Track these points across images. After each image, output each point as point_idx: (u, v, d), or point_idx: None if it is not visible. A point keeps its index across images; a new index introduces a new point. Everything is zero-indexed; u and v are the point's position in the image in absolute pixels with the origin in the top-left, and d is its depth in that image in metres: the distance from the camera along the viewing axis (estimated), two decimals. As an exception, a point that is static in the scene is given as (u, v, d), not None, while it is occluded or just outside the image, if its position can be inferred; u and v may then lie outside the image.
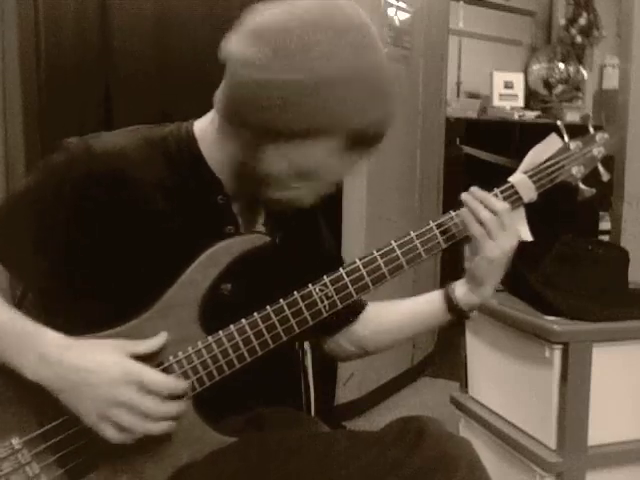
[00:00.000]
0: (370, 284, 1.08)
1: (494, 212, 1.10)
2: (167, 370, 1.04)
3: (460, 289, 1.18)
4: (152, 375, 1.00)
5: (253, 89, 0.99)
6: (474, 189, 1.12)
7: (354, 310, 1.26)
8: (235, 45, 1.02)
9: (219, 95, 1.06)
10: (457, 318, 1.20)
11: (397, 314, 1.28)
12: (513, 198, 1.13)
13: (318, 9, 1.00)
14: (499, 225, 1.09)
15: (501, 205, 1.10)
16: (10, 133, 2.51)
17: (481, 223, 1.10)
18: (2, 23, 2.45)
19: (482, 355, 2.04)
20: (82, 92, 2.43)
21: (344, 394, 2.85)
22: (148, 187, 1.08)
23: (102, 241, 1.06)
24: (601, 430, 1.74)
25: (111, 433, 0.97)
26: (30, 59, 2.42)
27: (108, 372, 0.97)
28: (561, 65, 5.20)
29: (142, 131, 1.13)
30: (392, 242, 1.09)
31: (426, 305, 1.23)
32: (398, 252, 1.08)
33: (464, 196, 1.11)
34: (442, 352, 3.67)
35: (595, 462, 1.76)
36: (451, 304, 1.19)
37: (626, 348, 1.78)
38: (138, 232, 1.08)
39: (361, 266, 1.08)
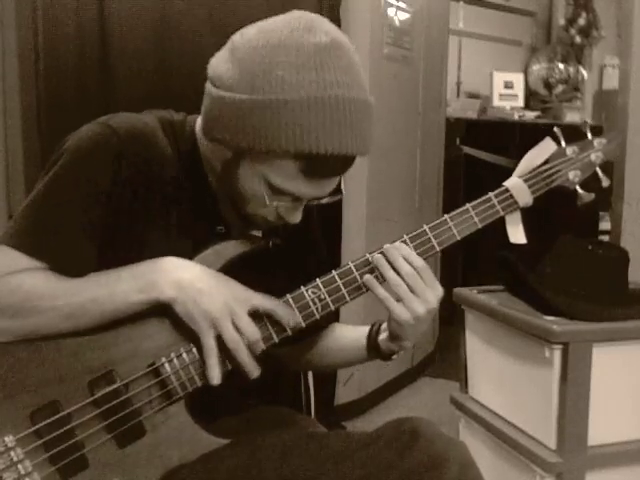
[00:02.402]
0: (364, 287, 1.07)
1: (402, 273, 1.04)
2: (158, 370, 1.04)
3: (383, 333, 1.16)
4: (260, 298, 1.05)
5: (219, 105, 1.01)
6: (388, 247, 1.06)
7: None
8: (214, 60, 1.05)
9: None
10: (380, 358, 1.19)
11: (328, 339, 1.28)
12: (508, 202, 1.12)
13: (288, 29, 0.99)
14: (407, 288, 1.04)
15: (409, 268, 1.04)
16: (9, 137, 2.51)
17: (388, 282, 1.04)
18: (1, 26, 2.45)
19: (482, 355, 2.04)
20: (81, 96, 2.42)
21: (344, 394, 2.86)
22: (159, 169, 1.10)
23: (118, 224, 1.07)
24: (601, 430, 1.74)
25: (211, 343, 1.02)
26: (29, 64, 2.42)
27: (230, 284, 1.05)
28: (561, 65, 5.20)
29: (155, 113, 1.15)
30: (385, 245, 1.08)
31: (354, 337, 1.22)
32: None
33: (376, 256, 1.06)
34: (442, 352, 3.67)
35: (595, 462, 1.76)
36: (371, 343, 1.18)
37: (626, 348, 1.78)
38: (147, 218, 1.09)
39: (354, 268, 1.07)
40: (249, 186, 1.05)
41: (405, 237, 1.08)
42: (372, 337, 1.19)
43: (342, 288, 1.07)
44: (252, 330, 1.03)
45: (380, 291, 1.05)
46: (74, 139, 1.07)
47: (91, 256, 1.06)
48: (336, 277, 1.07)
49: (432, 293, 1.05)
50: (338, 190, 1.08)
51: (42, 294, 1.02)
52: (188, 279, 1.02)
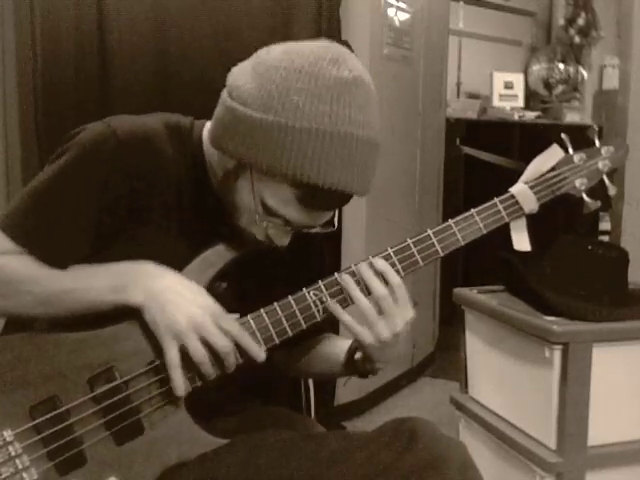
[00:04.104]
0: (366, 291, 1.06)
1: (375, 294, 1.02)
2: (158, 369, 1.04)
3: (359, 352, 1.15)
4: (225, 314, 1.03)
5: (230, 116, 1.01)
6: (359, 265, 1.05)
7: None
8: (235, 70, 1.05)
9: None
10: (357, 375, 1.18)
11: (319, 347, 1.27)
12: (514, 208, 1.11)
13: (314, 56, 0.99)
14: (374, 311, 1.03)
15: (382, 290, 1.02)
16: (9, 139, 2.51)
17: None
18: (1, 30, 2.45)
19: (482, 355, 2.03)
20: (79, 98, 2.42)
21: (344, 394, 2.85)
22: (160, 171, 1.10)
23: (118, 224, 1.07)
24: (601, 430, 1.74)
25: (172, 355, 1.00)
26: (27, 66, 2.42)
27: (204, 298, 1.03)
28: (561, 65, 5.21)
29: (161, 116, 1.15)
30: (388, 248, 1.07)
31: (338, 350, 1.21)
32: (394, 259, 1.07)
33: (344, 276, 1.05)
34: (442, 352, 3.67)
35: (595, 462, 1.76)
36: (349, 359, 1.17)
37: (626, 348, 1.78)
38: (146, 220, 1.09)
39: (356, 272, 1.06)
40: (244, 200, 1.05)
41: (409, 241, 1.07)
42: (351, 352, 1.17)
43: (343, 291, 1.06)
44: (223, 343, 1.01)
45: (346, 317, 1.04)
46: (79, 137, 1.08)
47: (74, 253, 1.06)
48: (338, 279, 1.06)
49: (401, 316, 1.04)
50: (331, 222, 1.08)
51: (22, 277, 1.04)
52: (159, 288, 1.02)
